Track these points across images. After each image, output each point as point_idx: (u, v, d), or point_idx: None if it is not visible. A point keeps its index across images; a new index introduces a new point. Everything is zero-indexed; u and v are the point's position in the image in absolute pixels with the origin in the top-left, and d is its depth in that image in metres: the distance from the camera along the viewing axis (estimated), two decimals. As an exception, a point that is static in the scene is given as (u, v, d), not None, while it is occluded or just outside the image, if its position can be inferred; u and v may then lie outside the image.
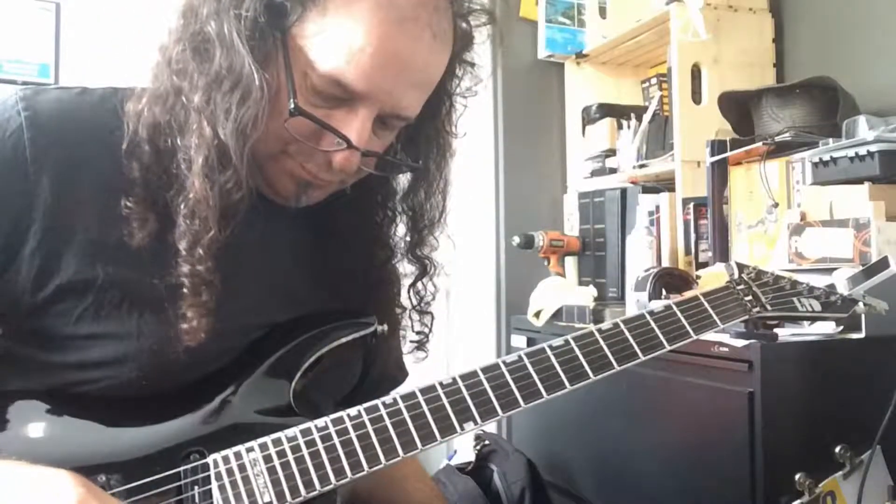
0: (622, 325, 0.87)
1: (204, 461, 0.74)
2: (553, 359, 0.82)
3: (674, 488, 1.44)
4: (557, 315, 2.01)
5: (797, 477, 1.15)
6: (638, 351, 0.86)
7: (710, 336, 1.11)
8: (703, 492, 1.37)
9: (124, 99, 0.80)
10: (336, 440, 0.74)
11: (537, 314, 2.07)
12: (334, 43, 0.75)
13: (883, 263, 1.07)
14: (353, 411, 0.76)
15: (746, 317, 0.96)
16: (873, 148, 1.44)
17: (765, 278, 1.01)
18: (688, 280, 1.76)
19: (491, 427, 1.50)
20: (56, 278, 0.76)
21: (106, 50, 2.33)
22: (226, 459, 0.73)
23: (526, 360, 0.81)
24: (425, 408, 0.77)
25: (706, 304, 0.93)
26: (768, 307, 0.98)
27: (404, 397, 0.77)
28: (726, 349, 1.32)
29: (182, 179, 0.76)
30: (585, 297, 2.03)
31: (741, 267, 1.01)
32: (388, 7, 0.75)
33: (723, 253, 1.84)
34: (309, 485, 0.72)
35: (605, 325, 0.86)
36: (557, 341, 0.84)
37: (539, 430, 1.97)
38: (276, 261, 0.89)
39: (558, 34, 2.54)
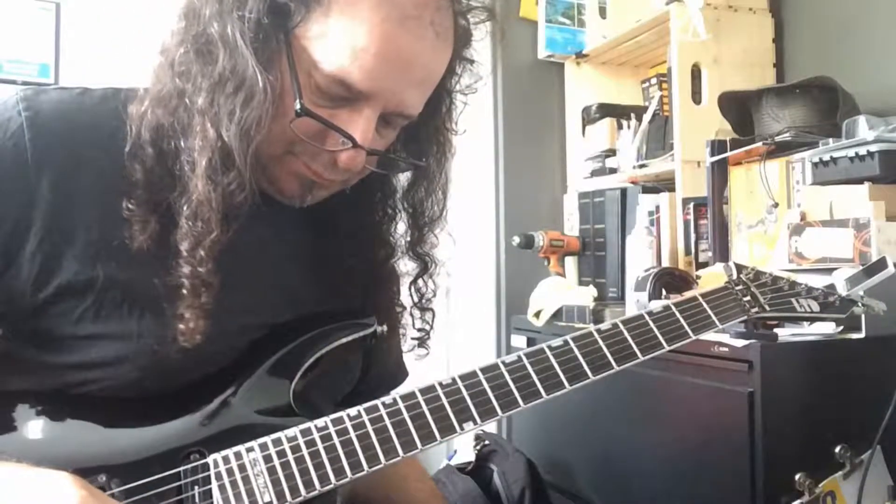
0: (621, 326, 0.87)
1: (204, 461, 0.74)
2: (552, 359, 0.82)
3: (674, 488, 1.44)
4: (557, 315, 2.01)
5: (797, 477, 1.16)
6: (637, 351, 0.86)
7: (710, 336, 1.11)
8: (703, 492, 1.37)
9: (126, 100, 0.80)
10: (336, 440, 0.74)
11: (537, 314, 2.07)
12: (338, 43, 0.75)
13: (881, 264, 1.07)
14: (352, 411, 0.76)
15: (745, 317, 0.96)
16: (873, 148, 1.44)
17: (763, 279, 1.02)
18: (688, 280, 1.76)
19: (491, 427, 1.50)
20: (56, 279, 0.76)
21: (106, 50, 2.32)
22: (226, 459, 0.73)
23: (525, 361, 0.82)
24: (425, 408, 0.77)
25: (705, 305, 0.93)
26: (767, 307, 0.98)
27: (404, 397, 0.78)
28: (726, 349, 1.32)
29: (185, 181, 0.76)
30: (585, 297, 2.03)
31: (739, 268, 1.01)
32: (390, 6, 0.75)
33: (723, 253, 1.83)
34: (309, 485, 0.72)
35: (604, 326, 0.87)
36: (557, 341, 0.84)
37: (539, 430, 1.97)
38: (277, 260, 0.89)
39: (558, 34, 2.53)
